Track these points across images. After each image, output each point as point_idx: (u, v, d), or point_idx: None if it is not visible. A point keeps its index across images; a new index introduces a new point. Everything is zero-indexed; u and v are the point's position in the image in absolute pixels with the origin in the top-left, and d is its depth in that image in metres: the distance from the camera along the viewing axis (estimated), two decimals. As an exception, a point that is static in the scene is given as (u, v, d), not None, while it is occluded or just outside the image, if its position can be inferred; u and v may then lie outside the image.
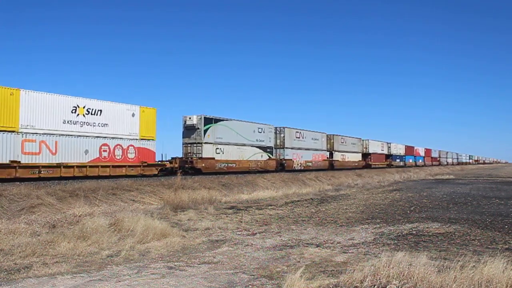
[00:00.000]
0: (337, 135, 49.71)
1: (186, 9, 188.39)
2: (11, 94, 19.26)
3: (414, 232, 11.26)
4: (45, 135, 20.45)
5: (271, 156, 37.05)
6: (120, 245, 9.20)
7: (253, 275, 7.02)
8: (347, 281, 5.79)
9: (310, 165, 42.78)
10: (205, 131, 29.54)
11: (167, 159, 28.25)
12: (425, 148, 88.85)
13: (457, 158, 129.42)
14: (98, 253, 8.58)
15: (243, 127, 33.58)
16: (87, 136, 22.38)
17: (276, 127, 38.42)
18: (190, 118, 29.73)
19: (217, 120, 30.79)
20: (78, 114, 22.07)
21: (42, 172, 19.99)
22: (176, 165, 27.78)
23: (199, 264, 7.84)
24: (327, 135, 47.59)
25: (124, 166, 23.94)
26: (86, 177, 21.41)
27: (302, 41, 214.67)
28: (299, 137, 41.37)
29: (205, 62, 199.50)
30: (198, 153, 29.25)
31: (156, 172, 26.06)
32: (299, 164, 40.95)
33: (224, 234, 11.10)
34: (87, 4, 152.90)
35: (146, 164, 25.24)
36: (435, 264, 6.96)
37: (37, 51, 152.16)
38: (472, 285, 5.43)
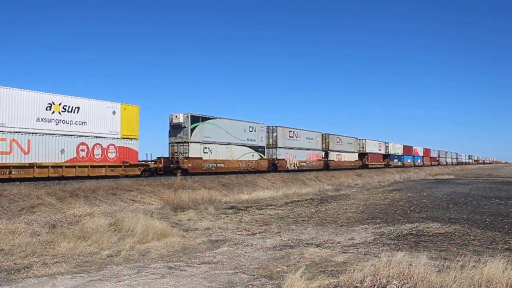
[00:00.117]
0: (332, 134, 48.85)
1: (186, 9, 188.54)
2: None
3: (414, 232, 11.26)
4: (16, 133, 19.46)
5: (262, 156, 36.09)
6: (120, 245, 9.20)
7: (253, 275, 7.02)
8: (347, 281, 5.79)
9: (304, 165, 41.89)
10: (192, 130, 28.59)
11: (152, 159, 27.27)
12: (423, 148, 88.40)
13: (457, 158, 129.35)
14: (98, 253, 8.58)
15: (233, 125, 32.65)
16: (63, 135, 21.31)
17: (268, 126, 37.56)
18: (176, 116, 28.74)
19: (205, 119, 29.87)
20: (53, 112, 20.94)
21: (13, 173, 18.98)
22: (161, 165, 26.95)
23: (199, 264, 7.85)
24: (322, 134, 46.73)
25: (104, 166, 22.93)
26: (62, 178, 20.48)
27: (302, 41, 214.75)
28: (292, 137, 40.40)
29: (205, 62, 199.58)
30: (185, 153, 28.32)
31: (139, 173, 25.06)
32: (293, 164, 40.02)
33: (224, 234, 11.10)
34: (87, 4, 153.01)
35: (128, 164, 24.23)
36: (435, 264, 6.96)
37: (37, 51, 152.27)
38: (472, 285, 5.43)
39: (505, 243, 9.64)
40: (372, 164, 59.09)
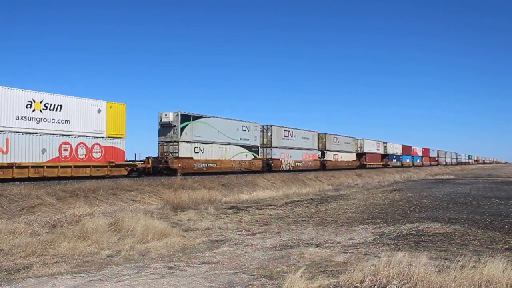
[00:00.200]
0: (329, 134, 47.95)
1: (186, 9, 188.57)
2: None
3: (414, 232, 11.26)
4: None
5: (256, 155, 35.22)
6: (120, 245, 9.20)
7: (253, 275, 7.02)
8: (347, 281, 5.79)
9: (300, 165, 40.98)
10: (182, 128, 27.78)
11: (141, 159, 26.44)
12: (423, 148, 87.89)
13: (456, 158, 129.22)
14: (98, 253, 8.58)
15: (225, 124, 31.81)
16: (45, 134, 20.47)
17: (262, 125, 36.86)
18: (166, 115, 27.92)
19: (196, 117, 29.04)
20: (34, 110, 20.08)
21: None
22: (149, 166, 26.23)
23: (199, 264, 7.85)
24: (318, 134, 45.84)
25: (89, 166, 22.15)
26: (44, 178, 19.82)
27: (302, 41, 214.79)
28: (287, 136, 39.56)
29: (205, 62, 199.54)
30: (175, 153, 27.50)
31: (126, 173, 24.23)
32: (288, 164, 39.15)
33: (224, 234, 11.10)
34: (87, 4, 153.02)
35: (114, 164, 23.46)
36: (435, 264, 6.97)
37: (37, 51, 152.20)
38: (472, 285, 5.44)
39: (505, 243, 9.64)
40: (370, 164, 58.44)
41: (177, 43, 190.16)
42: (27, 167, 19.66)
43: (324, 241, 10.17)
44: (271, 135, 37.05)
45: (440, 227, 11.87)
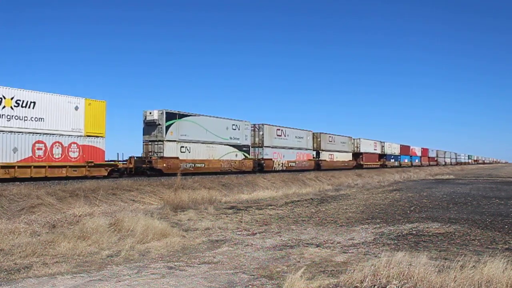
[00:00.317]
0: (324, 133, 46.99)
1: (186, 9, 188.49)
2: None
3: (414, 232, 11.27)
4: None
5: (247, 155, 34.21)
6: (120, 245, 9.20)
7: (253, 275, 7.03)
8: (347, 281, 5.79)
9: (294, 165, 40.05)
10: (167, 127, 26.84)
11: (124, 159, 25.39)
12: (421, 148, 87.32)
13: (456, 158, 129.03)
14: (98, 253, 8.58)
15: (214, 123, 30.84)
16: (16, 132, 19.45)
17: (254, 124, 35.90)
18: (150, 113, 26.94)
19: (182, 116, 28.09)
20: (4, 107, 19.11)
21: None
22: (131, 166, 25.31)
23: (199, 264, 7.85)
24: (313, 133, 44.92)
25: (65, 166, 21.13)
26: (15, 179, 18.95)
27: (302, 41, 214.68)
28: (280, 135, 38.59)
29: (205, 62, 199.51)
30: (160, 152, 26.55)
31: (106, 173, 23.24)
32: (281, 164, 38.16)
33: (224, 234, 11.10)
34: (87, 4, 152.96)
35: (92, 164, 22.42)
36: (435, 264, 6.97)
37: (37, 51, 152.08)
38: (472, 285, 5.44)
39: (505, 243, 9.65)
40: (367, 164, 57.59)
41: (177, 43, 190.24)
42: None
43: (324, 241, 10.17)
44: (263, 134, 36.18)
45: (440, 227, 11.88)
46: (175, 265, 7.78)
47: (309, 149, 44.01)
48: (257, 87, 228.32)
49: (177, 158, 27.46)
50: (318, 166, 44.69)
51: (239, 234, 11.08)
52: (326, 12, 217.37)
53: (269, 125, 37.31)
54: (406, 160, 75.19)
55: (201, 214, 14.70)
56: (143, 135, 27.68)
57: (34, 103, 20.28)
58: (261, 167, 35.40)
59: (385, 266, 5.96)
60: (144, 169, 25.95)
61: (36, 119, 20.31)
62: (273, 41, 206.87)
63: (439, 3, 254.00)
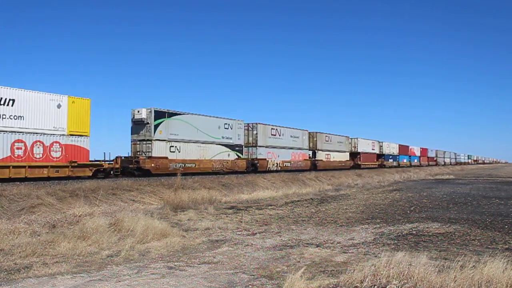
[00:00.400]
0: (320, 132, 46.21)
1: (186, 9, 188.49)
2: None
3: (414, 232, 11.27)
4: None
5: (240, 155, 33.44)
6: (120, 245, 9.20)
7: (253, 275, 7.03)
8: (347, 281, 5.79)
9: (289, 165, 39.24)
10: (156, 126, 26.10)
11: (111, 159, 24.56)
12: (420, 148, 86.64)
13: (455, 158, 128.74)
14: (98, 253, 8.58)
15: (205, 122, 30.06)
16: None
17: (247, 123, 35.15)
18: (138, 111, 26.19)
19: (171, 114, 27.35)
20: None
21: None
22: (117, 166, 24.44)
23: (199, 264, 7.85)
24: (309, 133, 44.10)
25: (46, 166, 20.38)
26: None
27: (302, 41, 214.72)
28: (275, 135, 37.75)
29: (205, 62, 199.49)
30: (148, 152, 25.83)
31: (90, 174, 22.41)
32: (275, 164, 37.30)
33: (224, 234, 11.10)
34: (87, 4, 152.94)
35: (76, 164, 21.64)
36: (435, 264, 6.96)
37: (37, 51, 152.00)
38: (472, 285, 5.44)
39: (505, 243, 9.65)
40: (365, 164, 56.90)
41: (177, 43, 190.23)
42: None
43: (324, 241, 10.17)
44: (256, 133, 35.32)
45: (440, 227, 11.87)
46: (175, 265, 7.78)
47: (305, 149, 43.32)
48: (257, 87, 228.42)
49: (166, 158, 26.76)
50: (314, 166, 43.99)
51: (239, 234, 11.08)
52: (326, 12, 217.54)
53: (263, 124, 36.53)
54: (405, 160, 74.66)
55: (201, 214, 14.70)
56: (131, 134, 27.05)
57: (13, 100, 19.47)
58: (254, 167, 34.68)
59: (385, 266, 5.96)
60: (131, 169, 25.32)
61: (16, 117, 19.53)
62: (273, 41, 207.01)
63: (439, 3, 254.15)
